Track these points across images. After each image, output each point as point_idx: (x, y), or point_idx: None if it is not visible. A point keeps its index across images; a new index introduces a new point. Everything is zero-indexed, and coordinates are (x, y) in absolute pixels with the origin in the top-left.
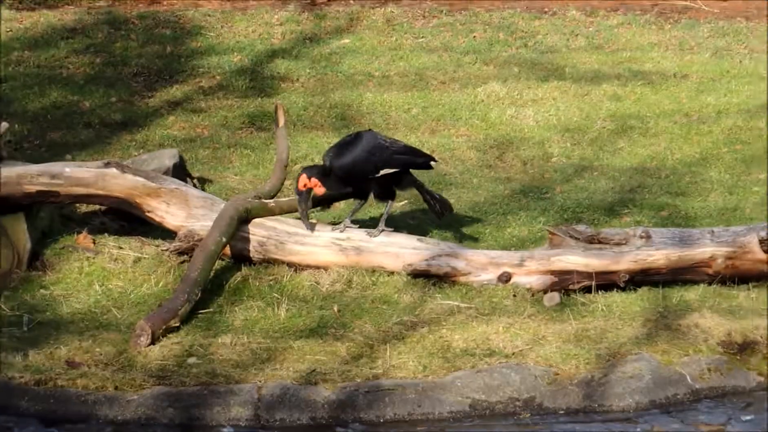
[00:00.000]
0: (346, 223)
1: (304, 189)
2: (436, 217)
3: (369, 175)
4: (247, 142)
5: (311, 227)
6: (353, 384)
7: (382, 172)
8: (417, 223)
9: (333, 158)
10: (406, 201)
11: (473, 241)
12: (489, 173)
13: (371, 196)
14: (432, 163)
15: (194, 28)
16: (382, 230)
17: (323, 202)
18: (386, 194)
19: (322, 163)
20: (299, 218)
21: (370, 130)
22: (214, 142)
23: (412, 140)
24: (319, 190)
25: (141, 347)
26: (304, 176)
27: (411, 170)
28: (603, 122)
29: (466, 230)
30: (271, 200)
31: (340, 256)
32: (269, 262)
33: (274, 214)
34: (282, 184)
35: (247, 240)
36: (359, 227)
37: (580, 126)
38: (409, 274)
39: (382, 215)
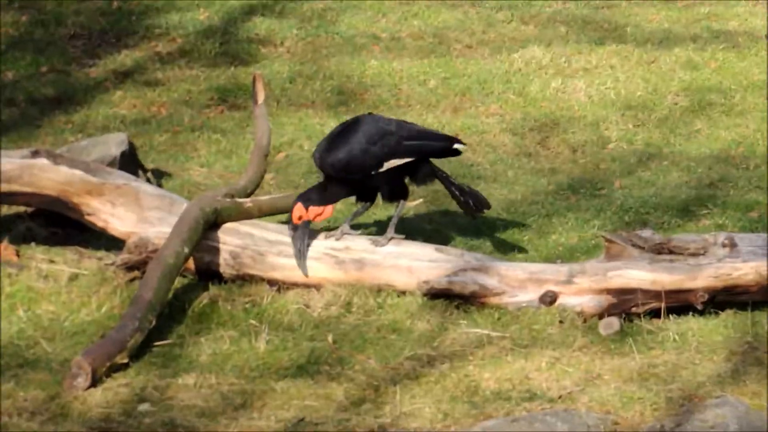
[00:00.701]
0: (345, 228)
1: (299, 222)
2: (469, 216)
3: (371, 170)
4: (216, 125)
5: (306, 270)
6: None
7: (388, 165)
8: (435, 228)
9: (323, 154)
10: (420, 200)
11: (508, 250)
12: (528, 163)
13: (378, 196)
14: (458, 146)
15: None
16: (392, 238)
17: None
18: (396, 192)
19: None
20: (287, 228)
21: (369, 113)
22: (174, 125)
23: (429, 121)
24: (325, 214)
25: (78, 390)
26: (299, 206)
27: (431, 159)
28: (675, 97)
29: (498, 237)
30: (248, 199)
31: (336, 271)
32: (245, 279)
33: (251, 217)
34: (261, 177)
35: (217, 251)
36: (361, 233)
37: (645, 102)
38: (425, 295)
39: (390, 219)
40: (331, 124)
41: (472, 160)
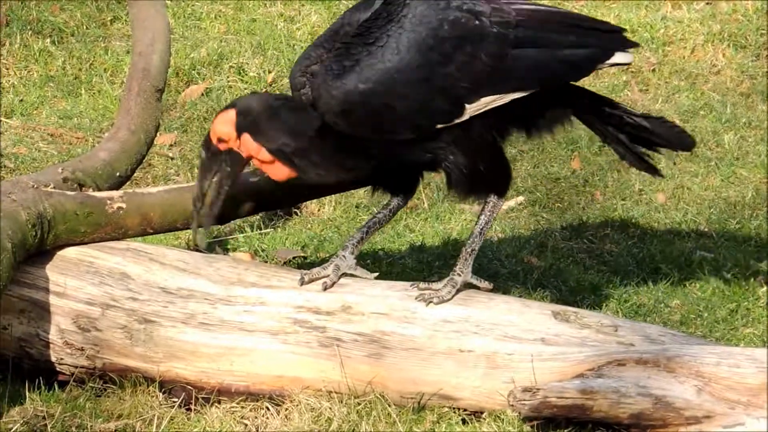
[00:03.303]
0: (344, 261)
1: (222, 147)
2: (646, 170)
3: (438, 122)
4: (45, 19)
5: (204, 246)
6: None
7: (475, 108)
8: (553, 265)
9: (329, 78)
10: (521, 198)
11: (720, 320)
12: None
13: (420, 183)
14: (622, 57)
15: None
16: (460, 285)
17: (285, 201)
18: (487, 173)
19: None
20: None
21: None
22: None
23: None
24: (277, 170)
25: None
26: (229, 118)
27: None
28: None
29: (700, 289)
30: (117, 192)
31: (321, 360)
32: (107, 376)
33: (125, 235)
34: (150, 142)
35: (45, 311)
36: (376, 277)
37: None
38: (526, 419)
39: (466, 244)
40: (319, 25)
41: (641, 104)
